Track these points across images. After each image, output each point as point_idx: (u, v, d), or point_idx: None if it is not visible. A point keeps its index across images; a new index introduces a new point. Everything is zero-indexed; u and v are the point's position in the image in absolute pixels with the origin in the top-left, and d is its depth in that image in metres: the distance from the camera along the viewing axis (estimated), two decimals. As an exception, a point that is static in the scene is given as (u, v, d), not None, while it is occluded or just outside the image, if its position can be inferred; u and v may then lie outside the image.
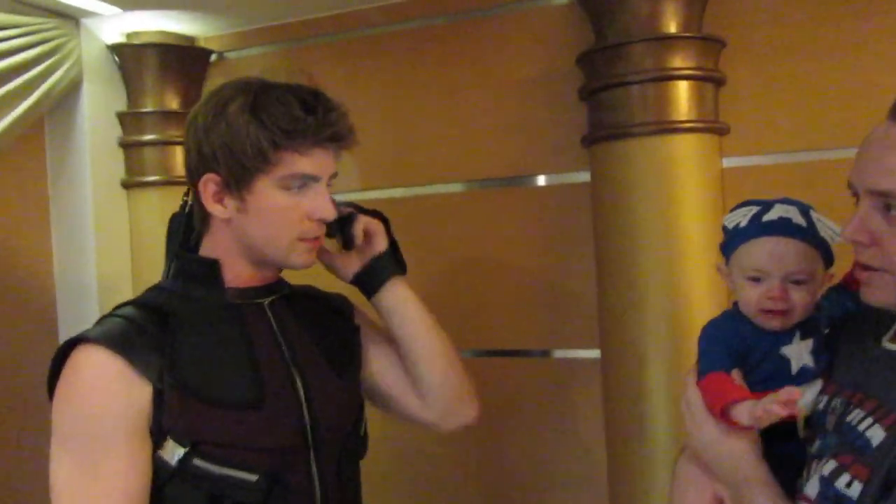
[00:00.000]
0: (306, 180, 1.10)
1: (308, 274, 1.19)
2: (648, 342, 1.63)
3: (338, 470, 1.16)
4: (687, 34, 1.58)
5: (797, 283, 1.02)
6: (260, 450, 1.06)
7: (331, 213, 1.12)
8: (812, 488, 0.96)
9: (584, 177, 1.79)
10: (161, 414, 1.02)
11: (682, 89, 1.59)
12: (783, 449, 1.02)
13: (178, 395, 1.03)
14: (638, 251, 1.63)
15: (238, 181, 1.08)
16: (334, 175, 1.15)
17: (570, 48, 1.75)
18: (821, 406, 1.01)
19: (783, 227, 1.03)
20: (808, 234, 1.02)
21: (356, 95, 2.02)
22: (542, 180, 1.88)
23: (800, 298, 1.01)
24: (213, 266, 1.13)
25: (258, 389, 1.08)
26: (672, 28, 1.58)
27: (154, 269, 2.00)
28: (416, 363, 1.26)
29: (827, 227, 1.03)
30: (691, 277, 1.60)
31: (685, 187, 1.61)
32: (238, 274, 1.15)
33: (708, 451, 1.04)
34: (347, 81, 2.03)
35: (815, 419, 1.02)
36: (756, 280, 1.04)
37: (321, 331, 1.22)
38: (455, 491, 2.01)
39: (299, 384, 1.13)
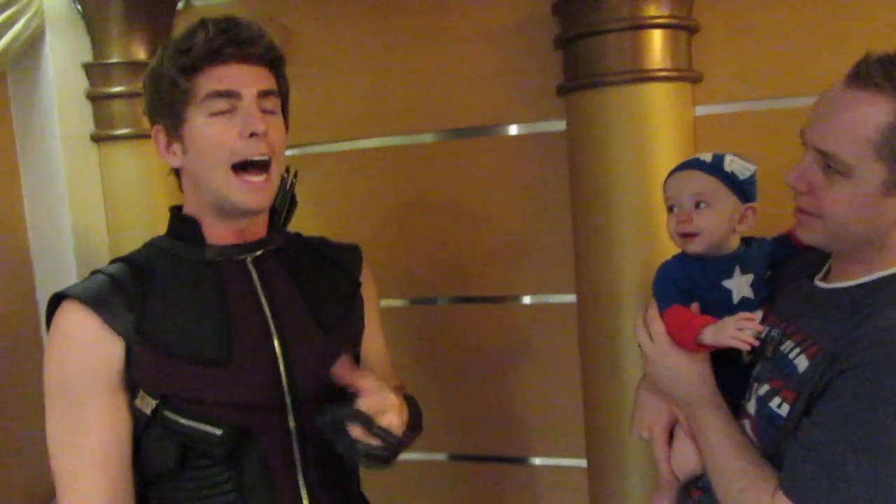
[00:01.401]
0: (227, 99, 1.08)
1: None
2: (623, 285, 1.68)
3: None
4: (660, -18, 1.59)
5: (699, 207, 1.19)
6: (225, 405, 1.08)
7: (259, 125, 1.08)
8: (752, 407, 1.12)
9: (560, 125, 1.81)
10: (132, 368, 1.07)
11: (657, 38, 1.61)
12: (730, 373, 1.17)
13: (146, 351, 1.07)
14: (613, 198, 1.67)
15: (173, 121, 1.11)
16: (270, 92, 1.12)
17: (546, -4, 1.75)
18: (762, 335, 1.12)
19: (687, 163, 1.24)
20: (708, 167, 1.20)
21: (329, 45, 2.00)
22: (517, 129, 1.90)
23: (704, 220, 1.19)
24: (193, 224, 1.16)
25: (226, 346, 1.10)
26: (646, -24, 1.59)
27: (129, 223, 2.01)
28: None
29: (739, 164, 1.20)
30: (664, 223, 1.64)
31: (659, 135, 1.65)
32: (219, 231, 1.16)
33: (669, 375, 1.17)
34: (319, 31, 2.00)
35: (757, 346, 1.14)
36: (671, 209, 1.24)
37: (315, 286, 1.23)
38: (434, 431, 2.04)
39: (276, 342, 1.14)
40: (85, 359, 1.06)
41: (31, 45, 1.83)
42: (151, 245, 1.19)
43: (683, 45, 1.66)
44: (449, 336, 2.03)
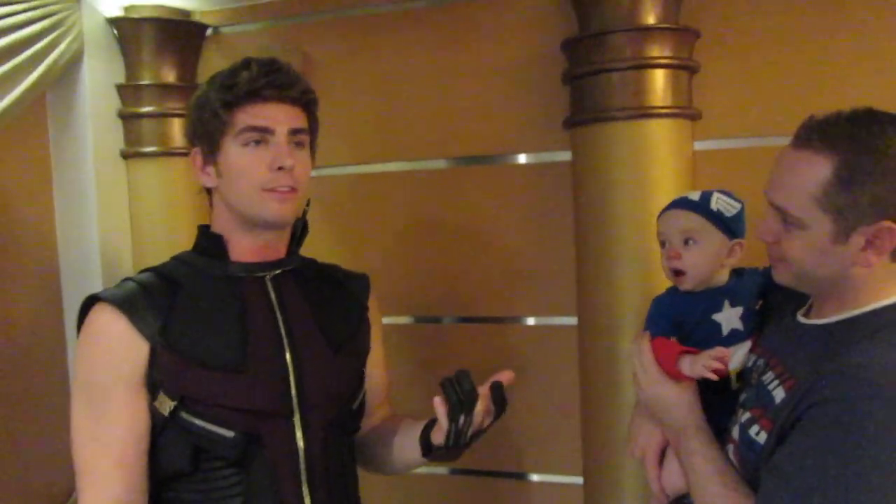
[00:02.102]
0: (260, 133, 1.19)
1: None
2: (621, 310, 1.74)
3: (325, 439, 1.23)
4: (664, 25, 1.68)
5: (688, 243, 1.27)
6: (238, 410, 1.16)
7: (287, 161, 1.18)
8: (735, 432, 1.18)
9: (565, 156, 1.89)
10: (154, 369, 1.14)
11: (659, 77, 1.69)
12: (718, 399, 1.23)
13: (169, 354, 1.14)
14: (613, 227, 1.74)
15: (211, 147, 1.21)
16: (300, 130, 1.23)
17: (555, 34, 1.83)
18: (749, 363, 1.24)
19: (676, 202, 1.32)
20: (695, 206, 1.27)
21: (349, 73, 2.09)
22: (524, 158, 1.97)
23: (692, 256, 1.27)
24: (218, 240, 1.25)
25: (242, 355, 1.18)
26: (650, 19, 1.68)
27: (152, 234, 2.09)
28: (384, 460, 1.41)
29: (725, 202, 1.27)
30: (660, 252, 1.72)
31: (659, 168, 1.72)
32: (243, 248, 1.25)
33: (657, 402, 1.24)
34: (340, 59, 2.09)
35: (745, 374, 1.24)
36: (663, 245, 1.32)
37: (326, 308, 1.31)
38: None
39: (288, 355, 1.22)
40: (112, 357, 1.14)
41: (71, 66, 1.92)
42: (178, 259, 1.28)
43: (684, 84, 1.74)
44: (453, 354, 2.09)
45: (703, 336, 1.25)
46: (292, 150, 1.21)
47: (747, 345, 1.26)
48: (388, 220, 2.11)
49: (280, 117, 1.20)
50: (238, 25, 2.17)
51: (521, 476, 2.06)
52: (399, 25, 2.04)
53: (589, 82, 1.73)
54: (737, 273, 1.32)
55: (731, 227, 1.27)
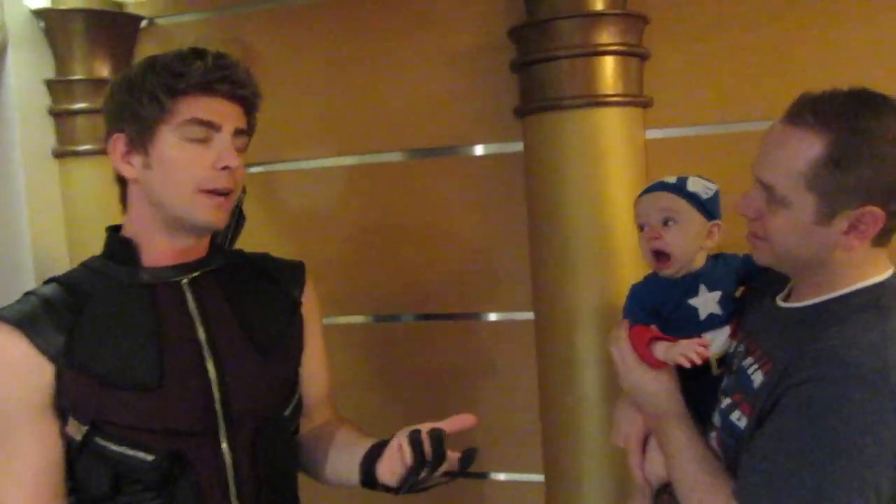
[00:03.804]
0: (206, 129, 1.10)
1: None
2: (577, 303, 1.72)
3: (254, 452, 1.16)
4: (612, 11, 1.65)
5: (668, 224, 1.28)
6: (157, 431, 1.08)
7: (233, 161, 1.10)
8: (717, 419, 1.19)
9: (518, 146, 1.85)
10: (62, 393, 1.06)
11: (608, 64, 1.66)
12: (699, 386, 1.23)
13: (75, 376, 1.06)
14: (567, 218, 1.72)
15: (141, 134, 1.10)
16: (243, 132, 1.15)
17: (502, 21, 1.80)
18: (731, 349, 1.24)
19: (653, 186, 1.33)
20: (672, 187, 1.29)
21: (292, 66, 2.03)
22: (476, 150, 1.94)
23: (672, 237, 1.27)
24: (128, 245, 1.15)
25: (157, 372, 1.09)
26: (599, 5, 1.65)
27: (89, 238, 2.00)
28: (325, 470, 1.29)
29: (702, 184, 1.29)
30: (617, 242, 1.70)
31: (611, 157, 1.70)
32: (157, 251, 1.15)
33: (636, 390, 1.24)
34: (282, 51, 2.03)
35: (726, 360, 1.24)
36: (642, 228, 1.32)
37: (253, 307, 1.22)
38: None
39: (210, 366, 1.13)
40: (14, 383, 1.05)
41: (-7, 62, 1.83)
42: (86, 265, 1.18)
43: (634, 72, 1.71)
44: (410, 353, 2.05)
45: (680, 321, 1.26)
46: (234, 151, 1.13)
47: (726, 330, 1.26)
48: (338, 216, 2.06)
49: (228, 114, 1.12)
50: (174, 17, 2.09)
51: (483, 475, 2.03)
52: (342, 15, 1.98)
53: (537, 70, 1.70)
54: (714, 258, 1.33)
55: (708, 208, 1.29)
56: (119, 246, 1.16)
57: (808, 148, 1.00)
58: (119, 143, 1.13)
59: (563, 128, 1.69)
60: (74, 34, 1.97)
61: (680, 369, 1.20)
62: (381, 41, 1.96)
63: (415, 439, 1.05)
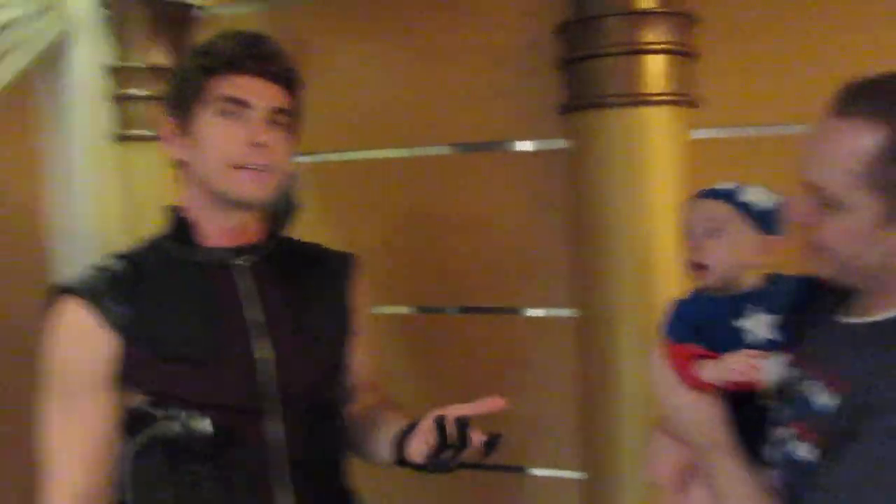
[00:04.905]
0: (236, 105, 1.13)
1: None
2: (618, 301, 1.71)
3: (303, 432, 1.19)
4: (661, 9, 1.63)
5: (711, 236, 1.14)
6: (206, 406, 1.12)
7: (264, 137, 1.13)
8: (774, 454, 1.04)
9: (562, 143, 1.84)
10: (123, 364, 1.12)
11: (654, 63, 1.64)
12: (744, 413, 1.09)
13: (136, 347, 1.11)
14: (610, 216, 1.71)
15: (184, 116, 1.16)
16: (283, 111, 1.17)
17: (546, 18, 1.79)
18: (784, 375, 1.07)
19: (703, 191, 1.20)
20: (722, 195, 1.15)
21: (344, 58, 2.05)
22: (520, 145, 1.94)
23: (714, 249, 1.14)
24: (184, 224, 1.20)
25: (210, 348, 1.13)
26: (647, 3, 1.63)
27: (146, 219, 2.06)
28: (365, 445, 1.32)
29: (759, 193, 1.15)
30: (660, 241, 1.68)
31: (656, 156, 1.68)
32: (211, 231, 1.20)
33: (678, 416, 1.10)
34: (335, 43, 2.05)
35: (777, 388, 1.08)
36: (688, 238, 1.19)
37: (304, 293, 1.25)
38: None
39: (259, 346, 1.16)
40: (83, 352, 1.11)
41: (58, 48, 1.89)
42: (150, 242, 1.23)
43: (682, 71, 1.68)
44: (451, 344, 2.07)
45: (724, 344, 1.11)
46: (269, 128, 1.15)
47: (780, 356, 1.10)
48: (384, 208, 2.09)
49: (259, 91, 1.14)
50: (231, 7, 2.13)
51: (520, 469, 2.04)
52: (394, 9, 1.99)
53: (583, 67, 1.69)
54: (768, 279, 1.18)
55: (761, 221, 1.14)
56: (177, 224, 1.21)
57: (864, 142, 0.88)
58: (169, 126, 1.19)
59: (608, 125, 1.68)
60: (134, 22, 2.03)
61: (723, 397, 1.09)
62: (429, 36, 1.97)
63: (440, 423, 1.07)
